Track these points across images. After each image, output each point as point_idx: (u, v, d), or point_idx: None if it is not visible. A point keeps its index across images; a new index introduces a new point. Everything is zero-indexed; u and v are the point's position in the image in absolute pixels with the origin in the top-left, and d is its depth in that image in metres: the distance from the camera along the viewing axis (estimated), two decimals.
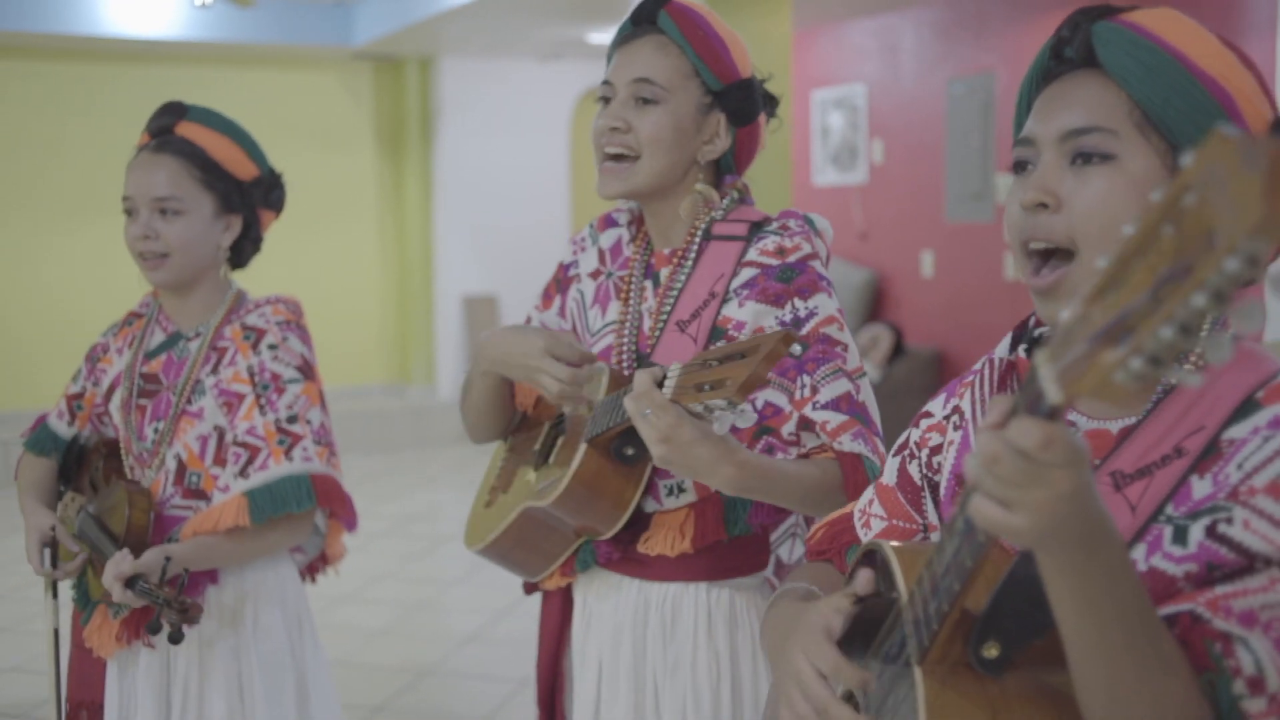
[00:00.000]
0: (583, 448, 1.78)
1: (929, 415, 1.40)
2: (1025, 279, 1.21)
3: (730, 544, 1.86)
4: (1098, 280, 0.80)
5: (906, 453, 1.41)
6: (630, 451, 1.75)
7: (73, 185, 8.72)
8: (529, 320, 2.11)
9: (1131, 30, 1.18)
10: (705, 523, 1.83)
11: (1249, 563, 1.03)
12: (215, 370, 2.23)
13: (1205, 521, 1.06)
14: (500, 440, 2.14)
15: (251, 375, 2.21)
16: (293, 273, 8.20)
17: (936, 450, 1.37)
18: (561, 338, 1.85)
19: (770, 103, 1.97)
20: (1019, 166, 1.22)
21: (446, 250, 9.78)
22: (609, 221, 2.06)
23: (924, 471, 1.38)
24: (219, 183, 2.25)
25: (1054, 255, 1.18)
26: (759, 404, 1.77)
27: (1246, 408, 1.08)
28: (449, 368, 9.86)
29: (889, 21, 7.87)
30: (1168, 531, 1.08)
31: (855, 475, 1.71)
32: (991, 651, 1.04)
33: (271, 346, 2.23)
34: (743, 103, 1.89)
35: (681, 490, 1.85)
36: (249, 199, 2.30)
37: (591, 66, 10.04)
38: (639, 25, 1.89)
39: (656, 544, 1.85)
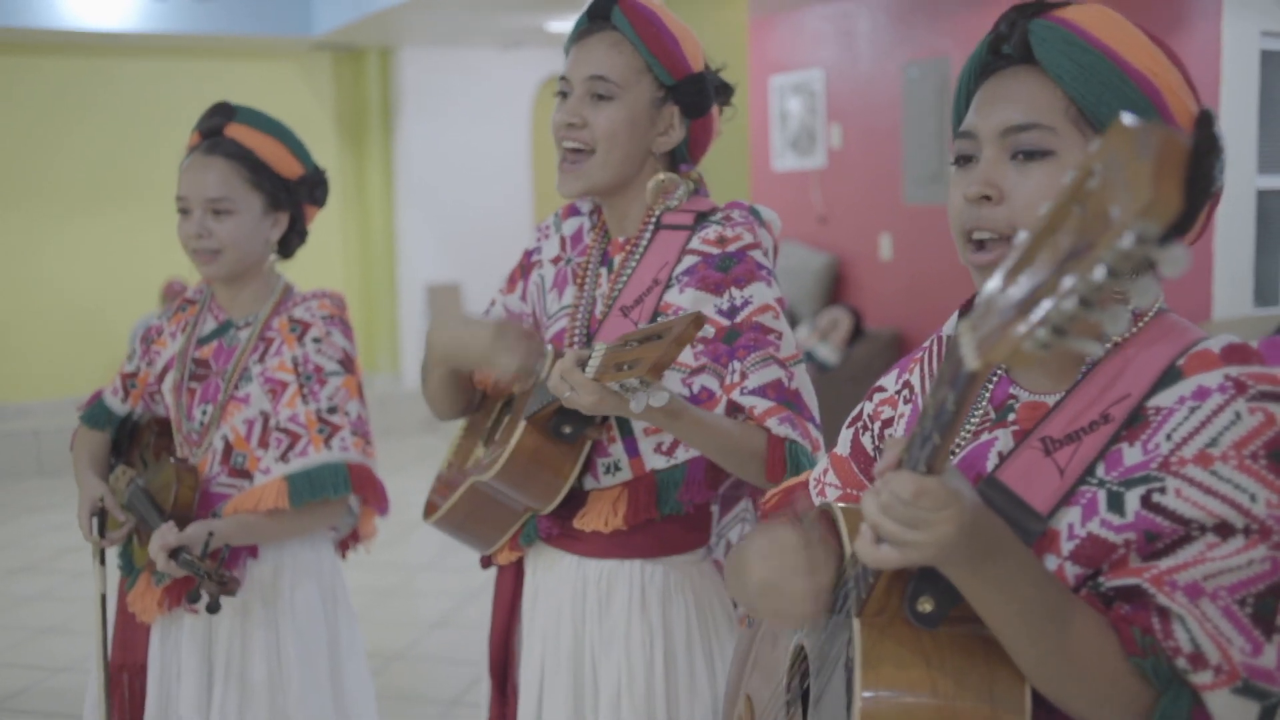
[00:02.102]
0: (522, 424, 1.86)
1: (881, 390, 1.48)
2: (965, 258, 1.28)
3: (664, 522, 1.94)
4: (1016, 256, 0.87)
5: (860, 424, 1.49)
6: (567, 429, 1.84)
7: (39, 178, 8.69)
8: (493, 303, 2.19)
9: (1066, 29, 1.24)
10: (637, 500, 1.91)
11: (1185, 530, 1.10)
12: (262, 359, 2.35)
13: (1140, 491, 1.13)
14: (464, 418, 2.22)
15: (296, 366, 2.33)
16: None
17: (888, 423, 1.44)
18: (507, 323, 1.91)
19: (724, 92, 2.03)
20: (961, 160, 1.28)
21: (409, 239, 9.80)
22: (572, 210, 2.13)
23: (876, 443, 1.45)
24: (267, 182, 2.36)
25: (995, 242, 1.25)
26: (695, 388, 1.86)
27: (1169, 376, 1.16)
28: (413, 356, 9.88)
29: (845, 7, 7.94)
30: (1101, 496, 1.15)
31: (776, 455, 1.79)
32: (926, 606, 1.12)
33: (316, 340, 2.35)
34: (695, 96, 1.96)
35: (618, 469, 1.93)
36: (295, 196, 2.41)
37: (552, 54, 10.07)
38: (594, 21, 1.96)
39: (591, 520, 1.93)
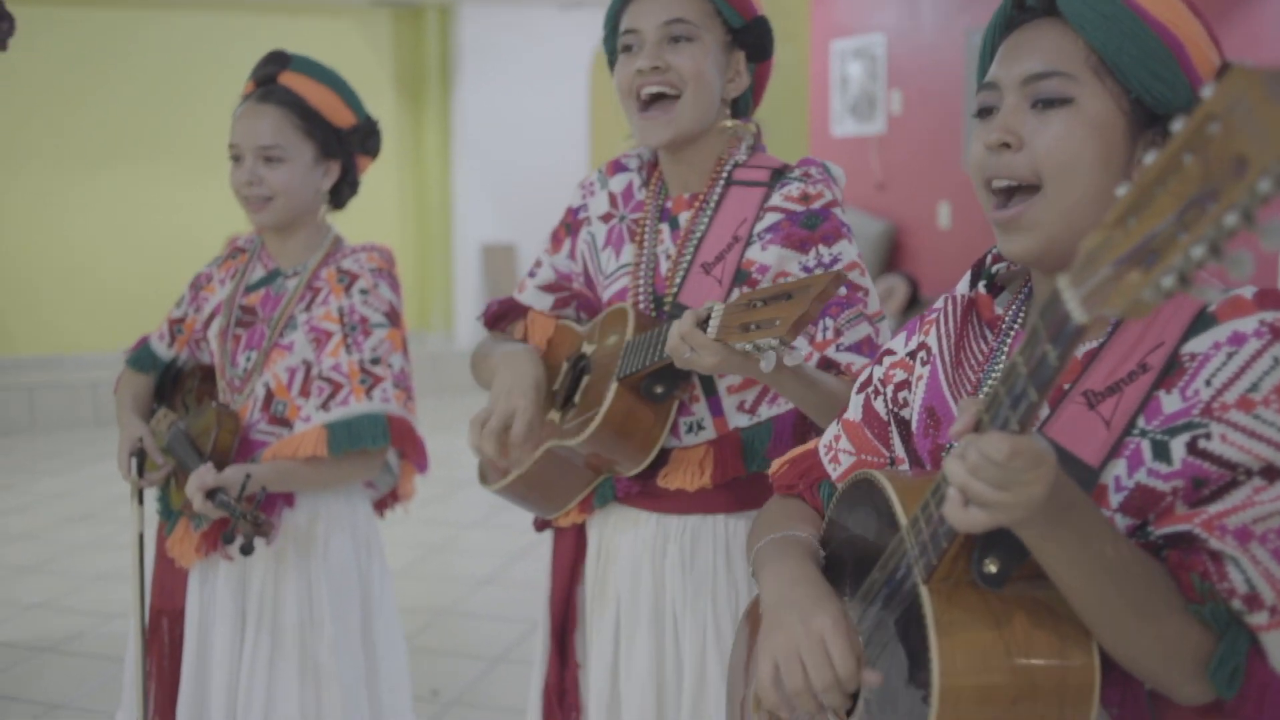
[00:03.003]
0: (614, 387, 1.83)
1: (891, 353, 1.47)
2: (988, 213, 1.27)
3: (747, 479, 1.92)
4: (1118, 208, 0.86)
5: (871, 389, 1.48)
6: (659, 390, 1.82)
7: (97, 133, 8.80)
8: (539, 264, 2.15)
9: None
10: (724, 459, 1.89)
11: (1232, 475, 1.10)
12: (309, 308, 2.35)
13: (1185, 438, 1.12)
14: None
15: (341, 315, 2.33)
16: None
17: (902, 386, 1.43)
18: (534, 422, 1.87)
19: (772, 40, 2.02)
20: (984, 111, 1.28)
21: (465, 198, 9.82)
22: (618, 166, 2.10)
23: (889, 407, 1.44)
24: (319, 130, 2.37)
25: (1017, 192, 1.24)
26: None
27: (1201, 322, 1.15)
28: (467, 316, 9.92)
29: None
30: (1145, 446, 1.14)
31: None
32: (991, 567, 1.12)
33: (363, 291, 2.35)
34: (760, 39, 1.95)
35: (701, 428, 1.91)
36: (347, 145, 2.42)
37: None
38: None
39: (676, 479, 1.91)
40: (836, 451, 1.49)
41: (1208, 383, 1.12)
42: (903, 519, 1.18)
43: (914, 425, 1.39)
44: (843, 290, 1.83)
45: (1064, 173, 1.20)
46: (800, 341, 1.81)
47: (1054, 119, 1.21)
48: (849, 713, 1.25)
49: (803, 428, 1.90)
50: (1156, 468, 1.13)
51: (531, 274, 2.16)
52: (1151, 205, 0.83)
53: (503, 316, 2.17)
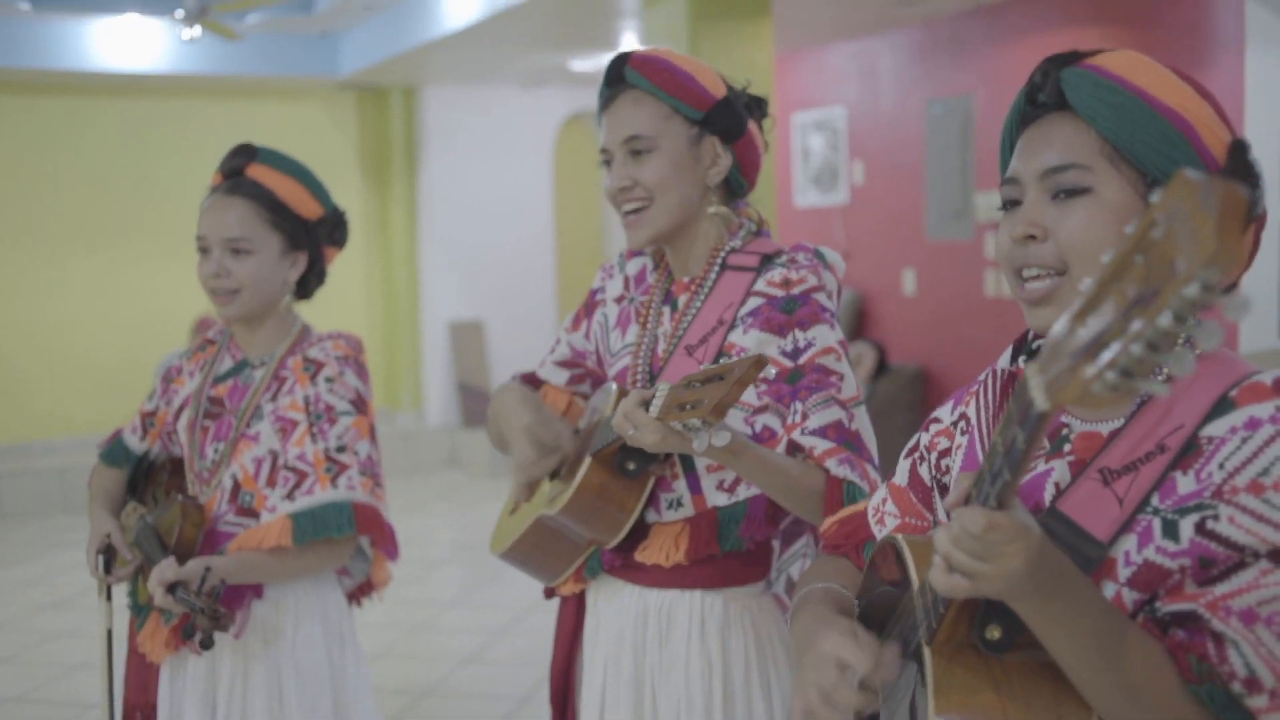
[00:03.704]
0: (587, 461, 1.89)
1: (937, 421, 1.51)
2: (1016, 295, 1.31)
3: (724, 557, 1.96)
4: (1081, 302, 0.91)
5: (917, 455, 1.51)
6: (632, 466, 1.87)
7: (63, 218, 8.81)
8: (558, 341, 2.23)
9: (1096, 74, 1.29)
10: (699, 537, 1.93)
11: (1239, 557, 1.13)
12: (275, 398, 2.35)
13: (1194, 518, 1.15)
14: None
15: (307, 404, 2.32)
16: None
17: (945, 453, 1.46)
18: (549, 421, 2.00)
19: (758, 106, 2.07)
20: (1008, 204, 1.33)
21: (432, 277, 9.86)
22: (636, 251, 2.16)
23: (933, 473, 1.48)
24: (286, 223, 2.37)
25: (1043, 275, 1.29)
26: (757, 427, 1.89)
27: (1221, 407, 1.18)
28: (436, 394, 9.92)
29: (868, 44, 8.01)
30: (1156, 524, 1.17)
31: (834, 495, 1.81)
32: (994, 633, 1.15)
33: (329, 379, 2.35)
34: (728, 121, 1.99)
35: (680, 505, 1.96)
36: (314, 236, 2.42)
37: (574, 93, 10.15)
38: (613, 86, 2.01)
39: (652, 553, 1.96)
40: (883, 514, 1.53)
41: (1221, 466, 1.16)
42: (914, 580, 1.22)
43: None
44: (773, 372, 1.88)
45: (1087, 257, 1.24)
46: (772, 419, 1.87)
47: (1075, 208, 1.26)
48: None
49: (778, 510, 1.94)
50: (1165, 545, 1.16)
51: (552, 350, 2.23)
52: (1106, 301, 0.88)
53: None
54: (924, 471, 1.49)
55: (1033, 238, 1.27)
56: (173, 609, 2.14)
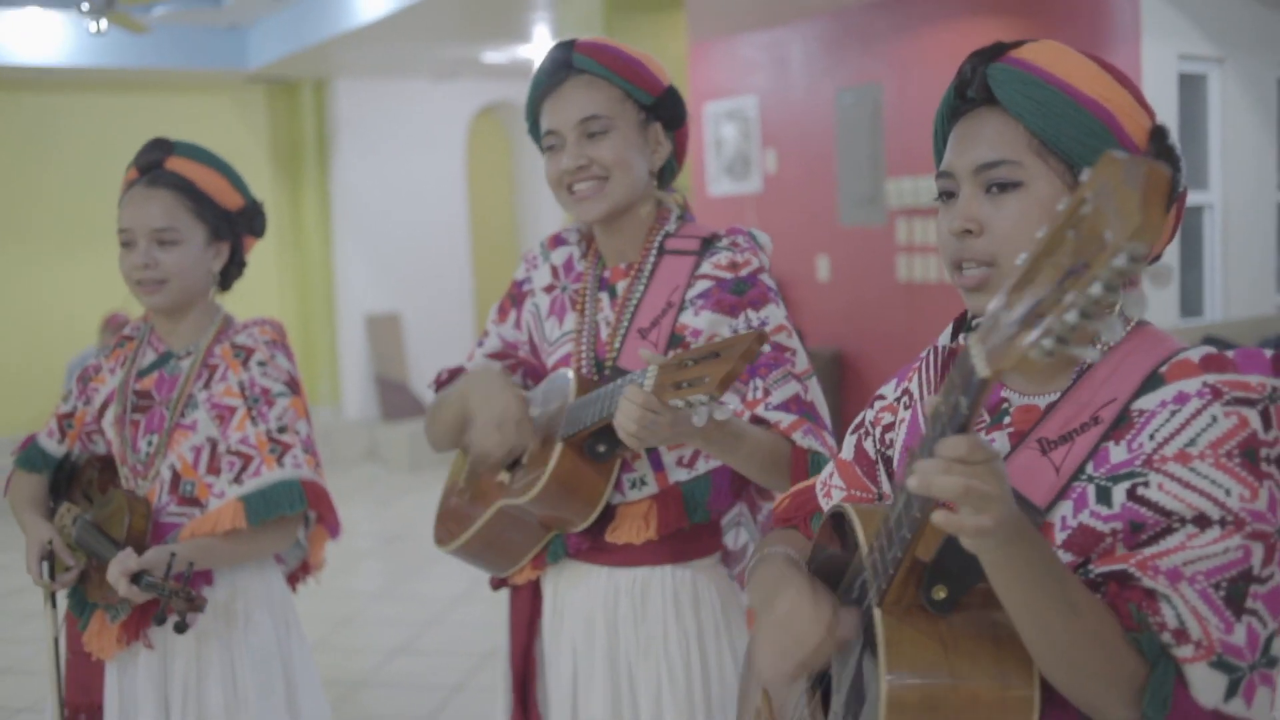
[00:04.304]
0: (559, 447, 1.93)
1: (881, 398, 1.58)
2: (954, 281, 1.39)
3: (690, 530, 2.03)
4: (1016, 276, 0.98)
5: (862, 431, 1.59)
6: (602, 449, 1.92)
7: None
8: (486, 334, 2.25)
9: (1021, 68, 1.35)
10: (668, 512, 1.99)
11: (1167, 522, 1.21)
12: (207, 385, 2.36)
13: (1126, 485, 1.23)
14: (460, 449, 2.27)
15: (243, 389, 2.34)
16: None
17: (889, 428, 1.54)
18: (520, 420, 1.98)
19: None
20: (944, 195, 1.40)
21: (347, 270, 9.80)
22: (559, 240, 2.21)
23: (878, 447, 1.55)
24: (209, 213, 2.39)
25: (978, 265, 1.36)
26: None
27: (1152, 382, 1.26)
28: (354, 388, 9.87)
29: (779, 34, 8.11)
30: (1091, 490, 1.25)
31: (799, 465, 1.89)
32: (940, 593, 1.22)
33: (261, 363, 2.37)
34: (673, 108, 2.07)
35: (643, 484, 2.01)
36: (235, 227, 2.44)
37: (486, 85, 10.14)
38: (557, 73, 2.04)
39: (623, 533, 2.01)
40: (830, 487, 1.60)
41: (1151, 436, 1.23)
42: (864, 546, 1.28)
43: (895, 463, 1.50)
44: (767, 349, 1.95)
45: (1018, 249, 1.30)
46: (730, 397, 1.93)
47: (1008, 202, 1.33)
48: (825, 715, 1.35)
49: (739, 481, 2.02)
50: (1098, 510, 1.24)
51: (480, 343, 2.25)
52: (1040, 274, 0.95)
53: (451, 383, 2.23)
54: (869, 446, 1.56)
55: (969, 232, 1.33)
56: (137, 598, 2.14)
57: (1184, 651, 1.18)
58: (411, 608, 5.59)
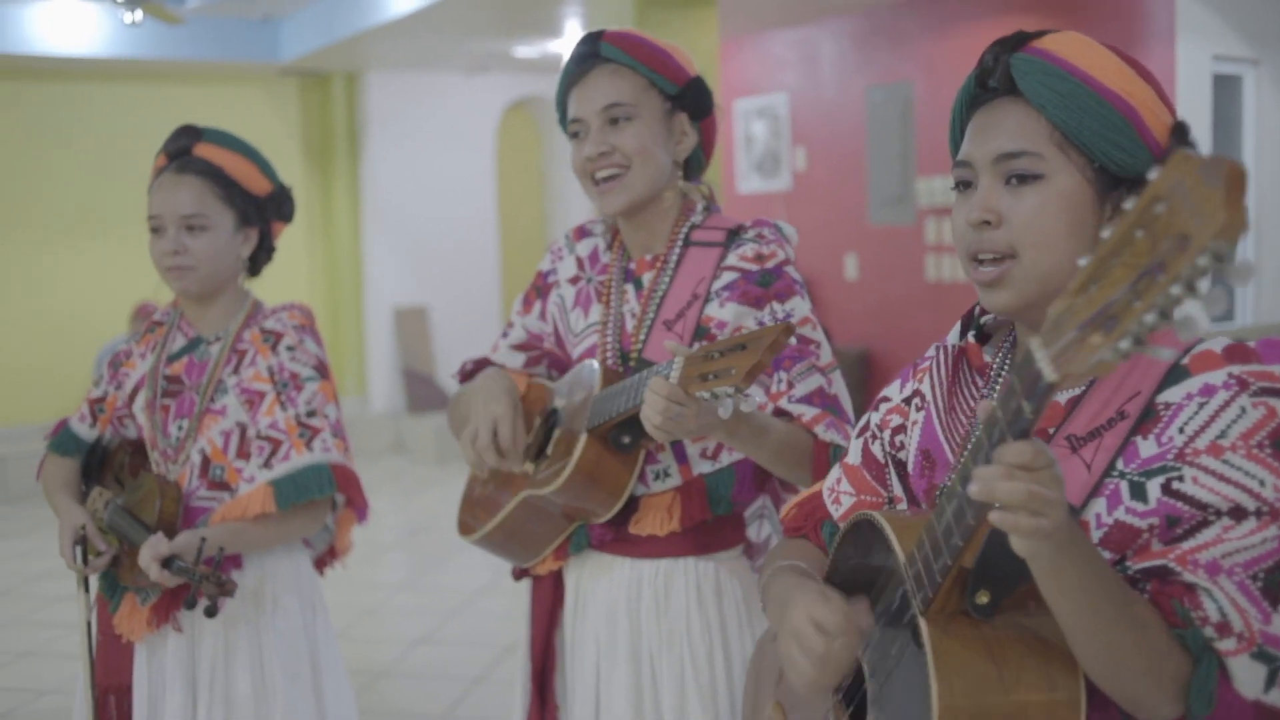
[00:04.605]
0: (583, 437, 1.93)
1: (887, 400, 1.56)
2: (970, 276, 1.37)
3: (713, 522, 2.03)
4: (1079, 277, 0.97)
5: (869, 434, 1.57)
6: (627, 440, 1.91)
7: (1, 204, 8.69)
8: (511, 325, 2.26)
9: (1045, 59, 1.33)
10: (691, 504, 1.99)
11: (1203, 515, 1.20)
12: (237, 370, 2.38)
13: (1160, 480, 1.22)
14: None
15: (272, 374, 2.36)
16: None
17: (898, 430, 1.52)
18: (515, 424, 1.99)
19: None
20: (961, 185, 1.38)
21: (376, 263, 9.84)
22: (584, 232, 2.22)
23: (887, 450, 1.53)
24: (238, 198, 2.40)
25: (995, 260, 1.34)
26: None
27: (1175, 374, 1.25)
28: (380, 379, 9.91)
29: (809, 32, 8.09)
30: (1124, 486, 1.24)
31: (821, 458, 1.88)
32: (983, 598, 1.20)
33: (290, 348, 2.39)
34: (699, 99, 2.07)
35: (667, 475, 2.01)
36: (264, 212, 2.45)
37: (517, 79, 10.16)
38: (585, 61, 2.05)
39: (647, 525, 2.01)
40: (838, 493, 1.58)
41: (1181, 430, 1.22)
42: (900, 555, 1.27)
43: (910, 466, 1.48)
44: (793, 341, 1.94)
45: (1039, 244, 1.30)
46: (755, 389, 1.92)
47: (1027, 195, 1.31)
48: None
49: (763, 473, 2.01)
50: (1134, 506, 1.23)
51: (504, 334, 2.26)
52: (1109, 275, 0.94)
53: (476, 374, 2.24)
54: (876, 449, 1.54)
55: (987, 223, 1.32)
56: (169, 583, 2.16)
57: (1227, 644, 1.18)
58: (434, 599, 5.60)
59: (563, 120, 2.12)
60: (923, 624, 1.21)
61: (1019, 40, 1.36)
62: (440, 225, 9.94)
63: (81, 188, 8.93)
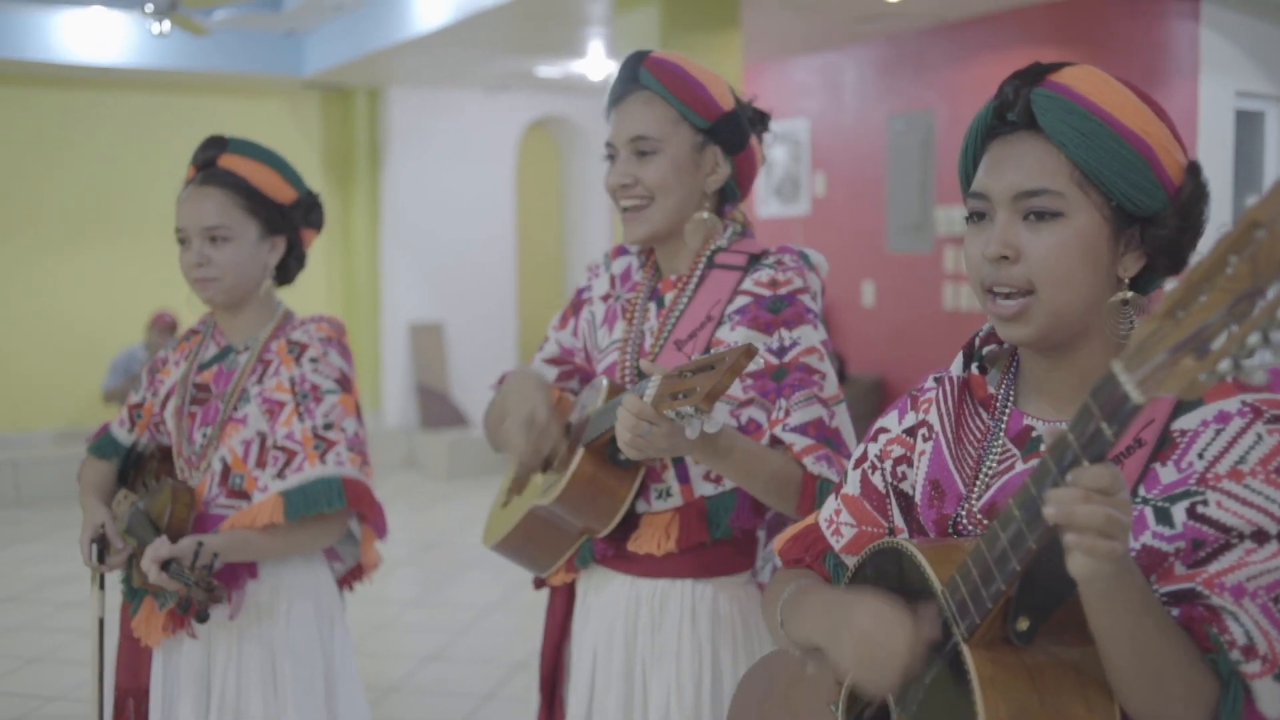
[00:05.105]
0: (580, 451, 1.96)
1: (885, 430, 1.56)
2: (987, 308, 1.38)
3: (714, 545, 2.03)
4: (1166, 302, 0.98)
5: (867, 465, 1.57)
6: (623, 456, 1.91)
7: (16, 210, 8.73)
8: (546, 340, 2.29)
9: (1065, 96, 1.34)
10: (689, 525, 2.00)
11: (1226, 538, 1.21)
12: (260, 380, 2.39)
13: (1185, 504, 1.23)
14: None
15: (293, 385, 2.37)
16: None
17: (900, 460, 1.52)
18: (546, 423, 2.02)
19: (760, 121, 2.13)
20: (975, 216, 1.39)
21: (393, 278, 9.87)
22: (621, 250, 2.24)
23: (888, 480, 1.53)
24: (262, 208, 2.42)
25: (1015, 295, 1.35)
26: (743, 420, 1.95)
27: (1187, 402, 1.26)
28: (395, 395, 9.92)
29: (832, 59, 8.12)
30: (1149, 512, 1.25)
31: (808, 491, 1.89)
32: (1023, 624, 1.21)
33: (313, 360, 2.40)
34: (732, 134, 2.06)
35: (669, 495, 2.02)
36: (291, 220, 2.47)
37: (538, 98, 10.20)
38: (626, 84, 2.07)
39: (644, 543, 2.02)
40: (838, 524, 1.58)
41: (1200, 455, 1.24)
42: (936, 584, 1.27)
43: (918, 497, 1.48)
44: (760, 363, 1.94)
45: (1057, 282, 1.31)
46: (719, 411, 1.92)
47: (1046, 232, 1.32)
48: None
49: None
50: (1160, 530, 1.24)
51: (541, 348, 2.29)
52: (1198, 301, 0.95)
53: None
54: (877, 480, 1.54)
55: (1005, 258, 1.33)
56: (167, 586, 2.17)
57: (1252, 667, 1.19)
58: (445, 615, 5.60)
59: None
60: (966, 650, 1.21)
61: (1037, 73, 1.36)
62: (458, 242, 9.97)
63: (103, 196, 8.98)
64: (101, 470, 2.59)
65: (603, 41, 7.82)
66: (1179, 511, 1.23)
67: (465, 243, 10.00)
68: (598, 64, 8.57)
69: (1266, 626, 1.19)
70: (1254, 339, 0.91)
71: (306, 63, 8.98)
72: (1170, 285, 0.94)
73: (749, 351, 1.62)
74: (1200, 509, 1.22)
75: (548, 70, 8.98)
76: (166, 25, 6.82)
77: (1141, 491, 1.26)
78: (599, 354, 2.17)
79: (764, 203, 8.65)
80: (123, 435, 2.60)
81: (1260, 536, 1.20)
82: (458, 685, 4.68)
